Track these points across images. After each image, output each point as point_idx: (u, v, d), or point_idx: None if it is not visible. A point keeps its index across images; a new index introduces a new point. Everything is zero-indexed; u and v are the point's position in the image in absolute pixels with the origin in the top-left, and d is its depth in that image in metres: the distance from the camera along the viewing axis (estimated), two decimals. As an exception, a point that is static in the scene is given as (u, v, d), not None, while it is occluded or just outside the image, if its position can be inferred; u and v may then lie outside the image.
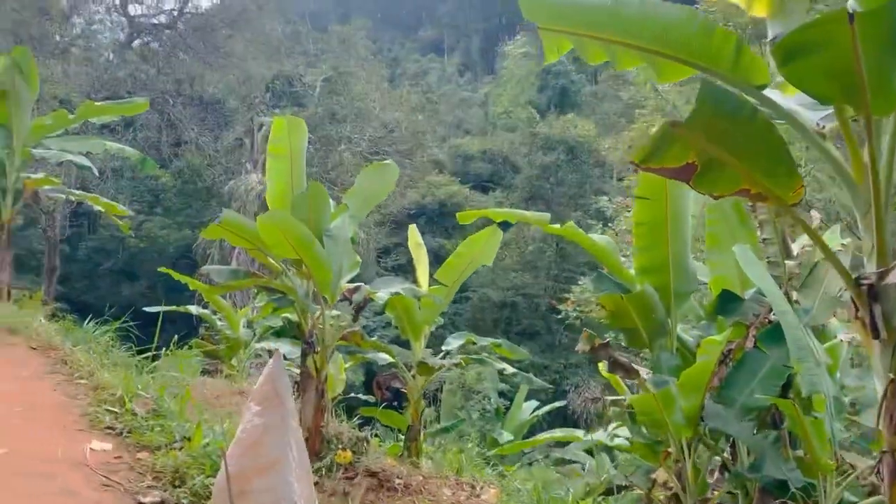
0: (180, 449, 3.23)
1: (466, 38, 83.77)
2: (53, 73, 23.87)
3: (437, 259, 8.31)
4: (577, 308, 20.81)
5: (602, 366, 5.47)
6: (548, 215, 5.64)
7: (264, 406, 2.74)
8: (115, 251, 30.80)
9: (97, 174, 9.93)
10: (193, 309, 12.39)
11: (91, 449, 3.14)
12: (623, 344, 5.73)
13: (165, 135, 27.19)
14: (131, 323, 10.54)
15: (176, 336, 9.99)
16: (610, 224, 21.00)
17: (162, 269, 10.44)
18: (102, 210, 9.45)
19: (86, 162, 8.96)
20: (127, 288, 31.77)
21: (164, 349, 12.50)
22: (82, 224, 28.86)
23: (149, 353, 11.21)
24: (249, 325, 12.30)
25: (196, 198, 31.15)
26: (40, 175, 9.29)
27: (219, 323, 12.26)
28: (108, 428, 3.39)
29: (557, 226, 5.40)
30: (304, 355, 5.75)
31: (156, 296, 31.92)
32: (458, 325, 28.05)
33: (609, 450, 9.62)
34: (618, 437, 7.27)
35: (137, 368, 8.40)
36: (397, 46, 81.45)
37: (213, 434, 3.47)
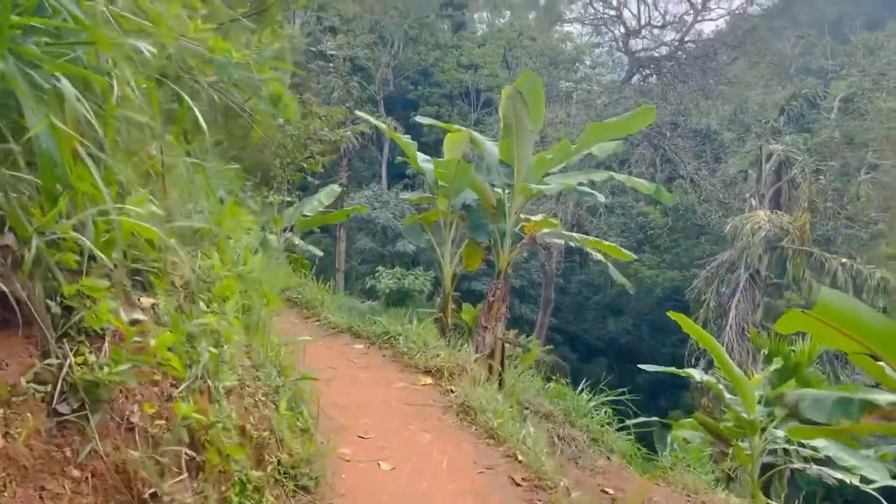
0: None
1: None
2: (557, 115, 25.02)
3: None
4: None
5: None
6: None
7: None
8: (603, 287, 31.07)
9: (602, 200, 8.94)
10: (697, 374, 10.30)
11: None
12: None
13: (660, 170, 26.13)
14: (620, 383, 9.09)
15: (650, 380, 8.04)
16: None
17: (671, 315, 8.54)
18: (604, 253, 8.16)
19: (590, 190, 7.80)
20: (612, 323, 31.83)
21: (650, 412, 10.56)
22: (574, 259, 29.81)
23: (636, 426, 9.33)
24: (761, 399, 9.67)
25: (686, 236, 29.47)
26: (538, 217, 8.49)
27: (727, 396, 9.88)
28: None
29: None
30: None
31: (639, 334, 31.18)
32: None
33: None
34: None
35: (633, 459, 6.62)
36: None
37: None
